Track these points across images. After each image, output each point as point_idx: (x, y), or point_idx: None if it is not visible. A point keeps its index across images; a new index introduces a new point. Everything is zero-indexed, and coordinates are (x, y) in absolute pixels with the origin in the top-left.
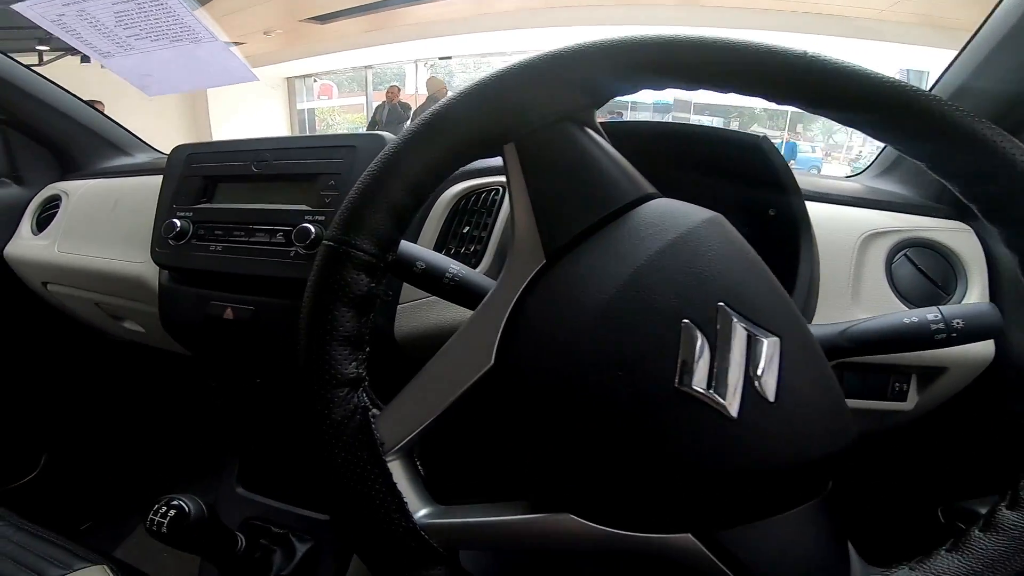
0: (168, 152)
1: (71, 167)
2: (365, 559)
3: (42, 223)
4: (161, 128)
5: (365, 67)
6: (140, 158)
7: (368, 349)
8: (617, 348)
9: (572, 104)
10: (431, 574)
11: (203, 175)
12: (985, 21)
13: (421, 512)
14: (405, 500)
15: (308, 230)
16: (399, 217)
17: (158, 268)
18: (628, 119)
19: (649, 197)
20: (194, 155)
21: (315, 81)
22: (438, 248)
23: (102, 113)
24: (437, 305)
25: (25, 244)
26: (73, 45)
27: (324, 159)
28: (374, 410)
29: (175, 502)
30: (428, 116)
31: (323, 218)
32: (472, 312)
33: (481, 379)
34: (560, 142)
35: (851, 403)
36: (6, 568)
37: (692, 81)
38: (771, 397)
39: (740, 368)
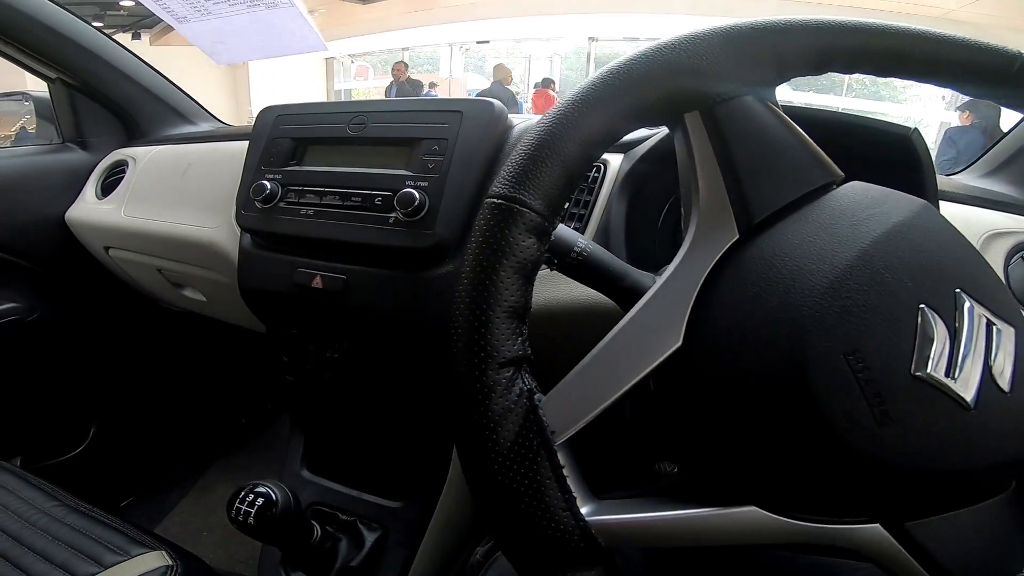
0: (228, 122)
1: (136, 133)
2: (517, 557)
3: (107, 188)
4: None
5: (402, 49)
6: (203, 127)
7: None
8: (846, 332)
9: (760, 78)
10: (589, 574)
11: (292, 136)
12: None
13: (585, 509)
14: (575, 495)
15: (412, 195)
16: (570, 179)
17: (235, 233)
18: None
19: (844, 179)
20: (283, 116)
21: (352, 62)
22: None
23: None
24: (548, 280)
25: (89, 208)
26: (151, 9)
27: (428, 123)
28: (539, 394)
29: (261, 489)
30: (608, 73)
31: (426, 184)
32: (591, 289)
33: (667, 360)
34: (751, 114)
35: None
36: (60, 555)
37: (886, 72)
38: (1007, 388)
39: (980, 356)
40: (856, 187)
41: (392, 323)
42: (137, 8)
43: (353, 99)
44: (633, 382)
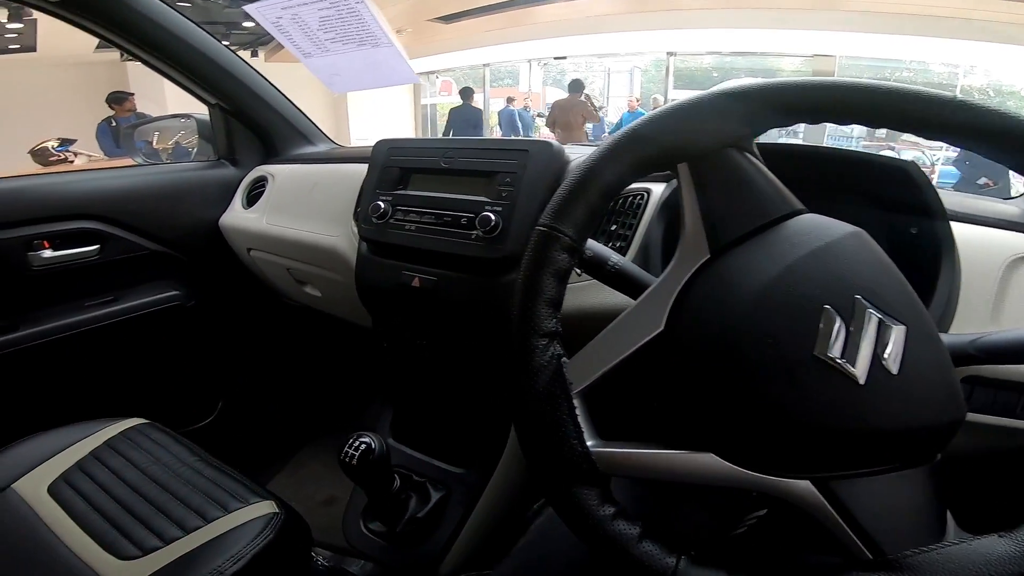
0: (340, 143)
1: (272, 152)
2: (539, 471)
3: (251, 199)
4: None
5: (483, 65)
6: (321, 147)
7: (561, 310)
8: (767, 323)
9: (736, 134)
10: (588, 492)
11: (400, 166)
12: None
13: (590, 442)
14: (583, 429)
15: (489, 218)
16: (593, 213)
17: (352, 241)
18: (786, 142)
19: (798, 212)
20: (393, 149)
21: (436, 78)
22: None
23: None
24: (590, 289)
25: (238, 216)
26: (282, 43)
27: (502, 159)
28: (565, 358)
29: (364, 438)
30: (619, 137)
31: (500, 209)
32: (625, 296)
33: (652, 340)
34: (726, 164)
35: (978, 418)
36: (196, 499)
37: (843, 119)
38: (894, 371)
39: (870, 345)
40: (804, 219)
41: (469, 316)
42: (257, 28)
43: (437, 112)
44: (627, 353)
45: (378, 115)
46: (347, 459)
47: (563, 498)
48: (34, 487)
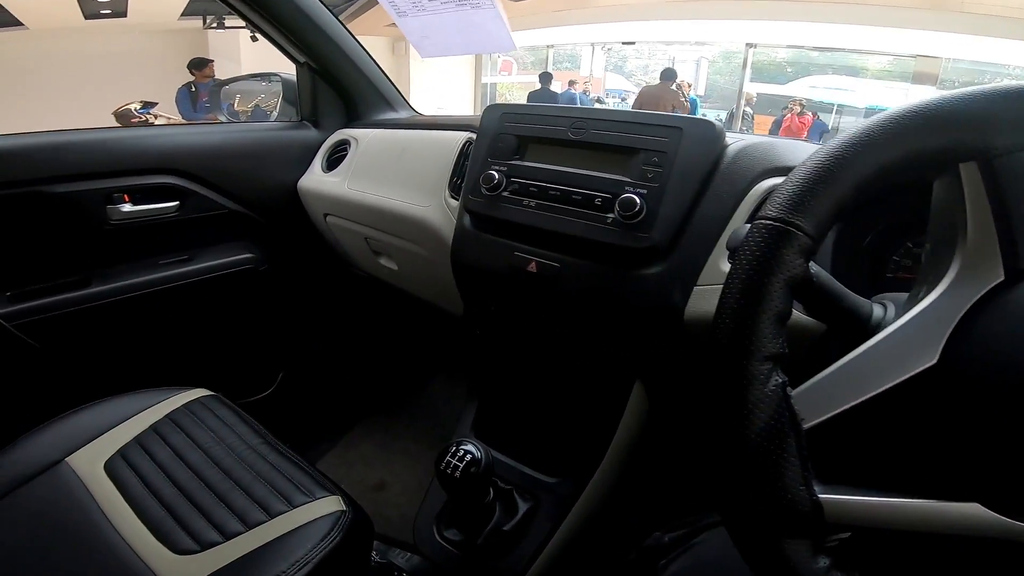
0: (419, 110)
1: (354, 116)
2: (742, 524)
3: (332, 163)
4: None
5: (547, 46)
6: (402, 114)
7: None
8: None
9: None
10: (800, 543)
11: (516, 134)
12: None
13: (815, 488)
14: (812, 474)
15: (634, 200)
16: (840, 210)
17: (445, 213)
18: None
19: None
20: (508, 115)
21: (498, 57)
22: None
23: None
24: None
25: (317, 179)
26: (381, 3)
27: (648, 136)
28: (789, 386)
29: (468, 447)
30: (885, 120)
31: (645, 191)
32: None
33: (920, 374)
34: None
35: None
36: (259, 489)
37: None
38: None
39: None
40: None
41: (592, 310)
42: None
43: (497, 91)
44: (884, 388)
45: (437, 90)
46: (448, 469)
47: (770, 550)
48: (90, 463)
